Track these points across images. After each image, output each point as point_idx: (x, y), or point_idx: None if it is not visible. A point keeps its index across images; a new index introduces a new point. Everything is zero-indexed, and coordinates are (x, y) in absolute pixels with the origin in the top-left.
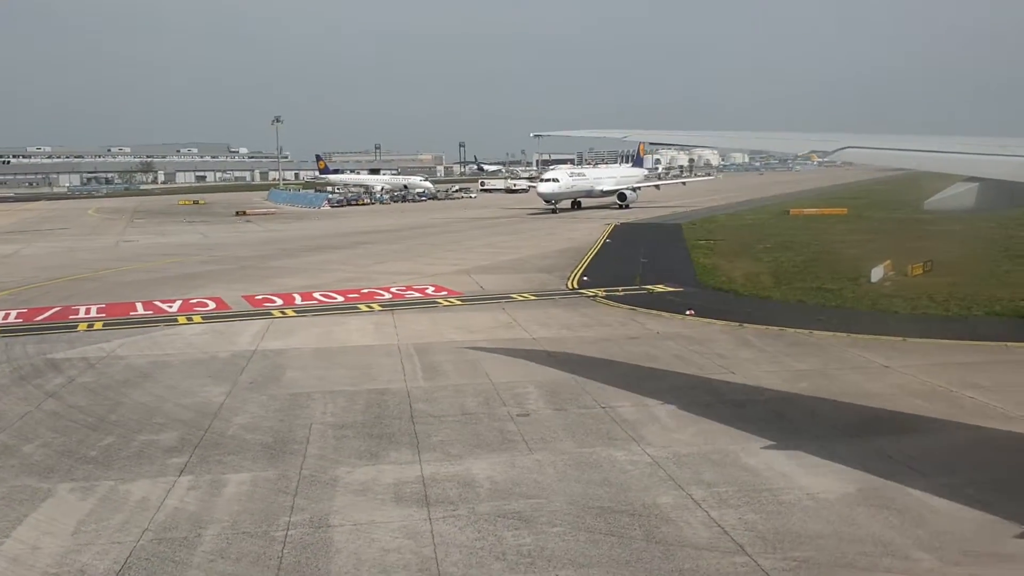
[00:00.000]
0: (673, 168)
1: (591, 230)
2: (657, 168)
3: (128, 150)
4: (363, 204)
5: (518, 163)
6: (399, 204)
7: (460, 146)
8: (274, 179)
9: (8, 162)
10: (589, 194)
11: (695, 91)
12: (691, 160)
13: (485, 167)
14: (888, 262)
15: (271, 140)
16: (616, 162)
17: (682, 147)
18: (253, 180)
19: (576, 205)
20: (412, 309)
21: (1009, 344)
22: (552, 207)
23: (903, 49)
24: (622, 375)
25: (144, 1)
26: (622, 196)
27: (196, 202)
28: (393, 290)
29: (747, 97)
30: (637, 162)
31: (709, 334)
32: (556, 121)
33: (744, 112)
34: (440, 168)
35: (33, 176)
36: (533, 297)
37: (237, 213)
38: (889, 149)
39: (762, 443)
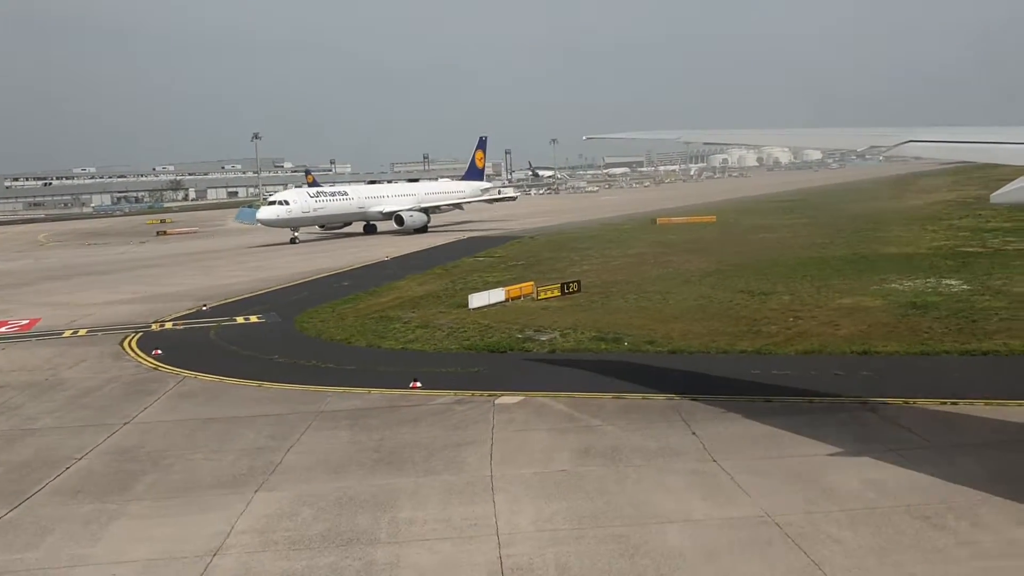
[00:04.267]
0: (734, 166)
1: (409, 246)
2: (502, 181)
3: (172, 168)
4: None
5: (579, 167)
6: None
7: (506, 153)
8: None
9: (49, 183)
10: (363, 216)
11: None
12: (759, 159)
13: (540, 172)
14: (529, 284)
15: (322, 153)
16: (679, 164)
17: (750, 146)
18: None
19: (369, 229)
20: None
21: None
22: (291, 237)
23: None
24: None
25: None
26: (399, 219)
27: (163, 220)
28: None
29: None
30: (472, 174)
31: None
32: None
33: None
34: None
35: (69, 197)
36: (79, 334)
37: (158, 233)
38: (953, 142)
39: None
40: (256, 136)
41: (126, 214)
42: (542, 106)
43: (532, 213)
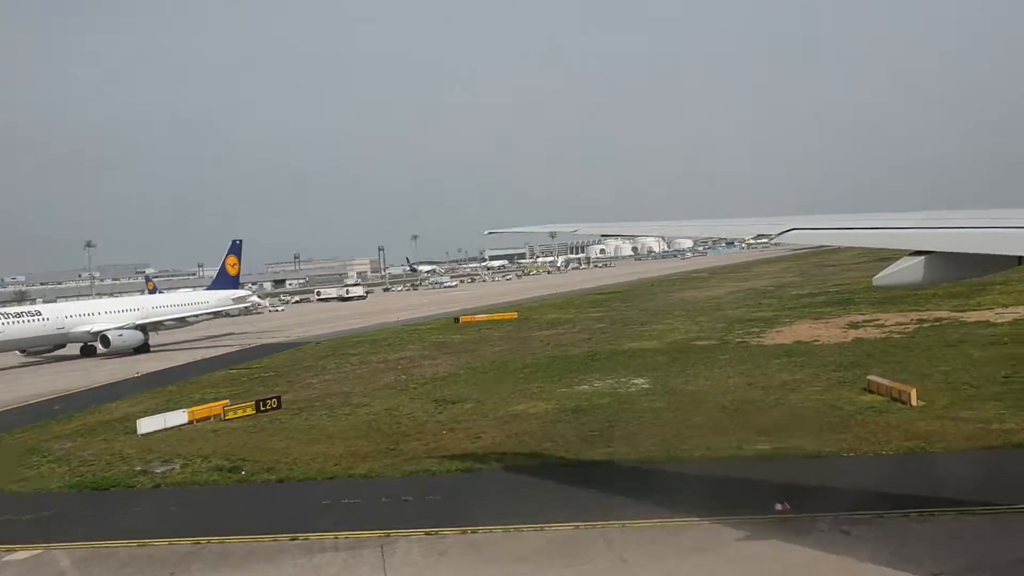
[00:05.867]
0: (615, 256)
1: (177, 359)
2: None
3: (22, 279)
4: None
5: (462, 261)
6: None
7: (379, 250)
8: None
9: None
10: (65, 338)
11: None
12: (634, 248)
13: (417, 268)
14: (220, 403)
15: (194, 256)
16: (555, 255)
17: (628, 236)
18: None
19: (87, 351)
20: None
21: None
22: None
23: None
24: None
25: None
26: (104, 340)
27: None
28: None
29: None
30: (223, 282)
31: None
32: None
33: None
34: (353, 273)
35: None
36: None
37: None
38: (833, 229)
39: None
40: (89, 244)
41: None
42: (418, 207)
43: (366, 313)
